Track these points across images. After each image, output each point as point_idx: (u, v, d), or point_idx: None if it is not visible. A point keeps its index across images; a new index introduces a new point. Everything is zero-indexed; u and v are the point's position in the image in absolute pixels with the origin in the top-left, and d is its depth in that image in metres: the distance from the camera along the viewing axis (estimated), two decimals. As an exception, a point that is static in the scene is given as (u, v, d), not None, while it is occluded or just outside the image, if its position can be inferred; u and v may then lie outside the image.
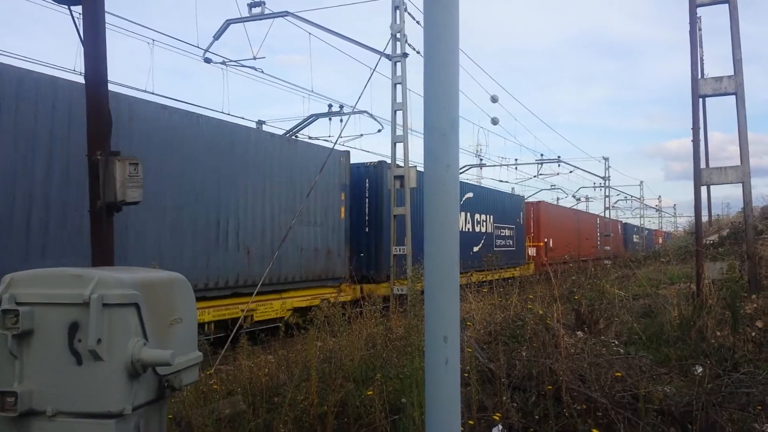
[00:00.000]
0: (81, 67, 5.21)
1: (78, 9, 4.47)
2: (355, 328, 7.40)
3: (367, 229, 16.26)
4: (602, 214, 43.84)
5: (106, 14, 4.47)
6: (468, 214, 21.40)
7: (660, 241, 71.15)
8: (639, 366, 5.92)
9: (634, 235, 57.19)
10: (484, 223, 23.13)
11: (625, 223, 56.27)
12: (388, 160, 15.61)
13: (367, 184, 16.49)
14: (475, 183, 28.80)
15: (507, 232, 25.50)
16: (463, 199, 20.74)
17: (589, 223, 40.15)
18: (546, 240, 29.61)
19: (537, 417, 4.76)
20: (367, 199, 16.50)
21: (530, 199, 33.15)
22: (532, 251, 28.58)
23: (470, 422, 4.54)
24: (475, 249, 21.61)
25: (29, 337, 2.57)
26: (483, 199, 23.15)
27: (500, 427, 4.50)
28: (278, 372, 6.24)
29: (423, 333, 1.96)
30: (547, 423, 4.60)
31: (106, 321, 2.52)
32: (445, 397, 1.94)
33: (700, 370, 5.94)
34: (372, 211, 16.41)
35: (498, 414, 4.70)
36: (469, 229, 21.44)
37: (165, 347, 2.67)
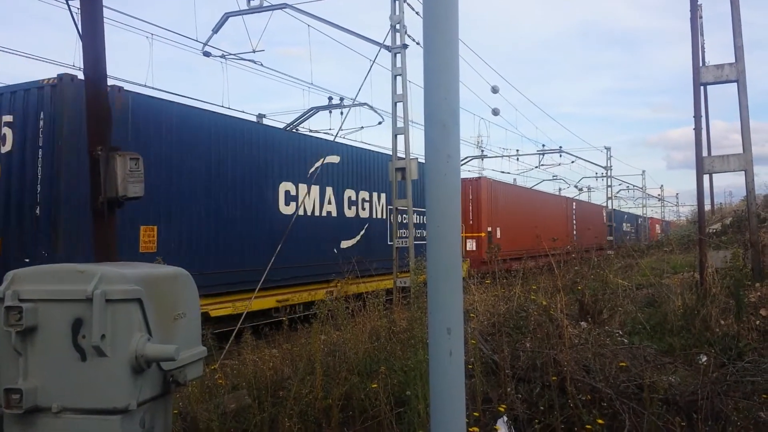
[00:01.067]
0: (80, 62, 5.21)
1: (76, 4, 4.46)
2: (359, 321, 7.41)
3: (37, 211, 8.61)
4: (576, 197, 37.50)
5: (104, 9, 4.45)
6: (330, 189, 13.60)
7: (657, 230, 67.62)
8: (643, 356, 5.91)
9: (624, 224, 50.13)
10: (366, 205, 15.24)
11: (611, 210, 45.98)
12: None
13: (42, 123, 8.68)
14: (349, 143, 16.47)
15: (414, 219, 17.55)
16: (317, 164, 13.10)
17: (559, 207, 32.06)
18: (490, 229, 22.73)
19: (542, 408, 4.75)
20: (40, 150, 8.66)
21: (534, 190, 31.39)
22: (470, 244, 21.91)
23: (475, 414, 4.54)
24: (346, 244, 14.14)
25: (33, 333, 2.57)
26: (361, 167, 15.00)
27: (505, 418, 4.50)
28: (283, 366, 6.26)
29: (426, 325, 1.96)
30: (552, 414, 4.60)
31: (109, 317, 2.52)
32: (450, 389, 1.94)
33: (704, 359, 5.93)
34: (47, 175, 8.61)
35: (503, 405, 4.70)
36: (330, 212, 13.64)
37: (169, 342, 2.67)
